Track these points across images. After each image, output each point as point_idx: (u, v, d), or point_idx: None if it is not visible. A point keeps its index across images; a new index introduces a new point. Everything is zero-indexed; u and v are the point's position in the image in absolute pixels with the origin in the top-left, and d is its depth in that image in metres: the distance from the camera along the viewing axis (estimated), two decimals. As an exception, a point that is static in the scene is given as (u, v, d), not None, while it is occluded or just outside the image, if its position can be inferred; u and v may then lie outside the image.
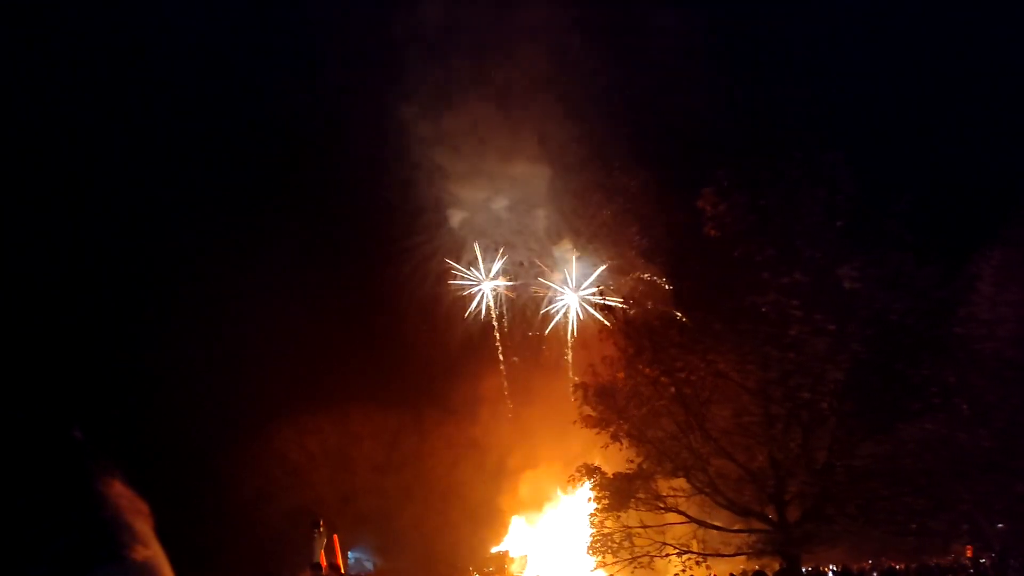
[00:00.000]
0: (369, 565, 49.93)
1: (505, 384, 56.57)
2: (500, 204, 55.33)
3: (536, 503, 53.67)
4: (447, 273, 56.34)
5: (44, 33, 46.66)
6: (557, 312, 55.17)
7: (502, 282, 55.85)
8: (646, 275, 45.99)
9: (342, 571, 17.26)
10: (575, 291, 54.13)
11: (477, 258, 56.12)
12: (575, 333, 53.90)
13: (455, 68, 50.67)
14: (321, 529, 16.48)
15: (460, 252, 56.51)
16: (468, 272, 56.06)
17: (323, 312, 53.92)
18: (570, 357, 53.61)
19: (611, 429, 19.47)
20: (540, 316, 56.10)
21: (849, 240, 17.90)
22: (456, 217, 55.56)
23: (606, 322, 23.29)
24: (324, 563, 15.63)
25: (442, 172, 53.70)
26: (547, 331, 55.21)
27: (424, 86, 50.50)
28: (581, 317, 53.65)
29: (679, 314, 20.21)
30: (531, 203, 55.23)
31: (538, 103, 50.81)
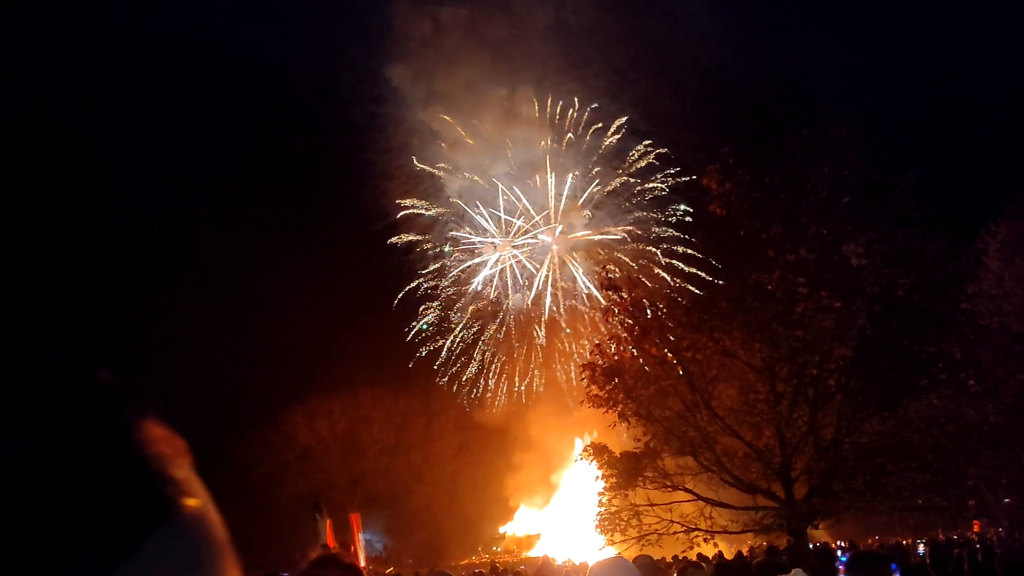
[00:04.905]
0: (379, 546, 50.33)
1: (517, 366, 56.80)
2: (501, 169, 55.25)
3: (545, 482, 53.92)
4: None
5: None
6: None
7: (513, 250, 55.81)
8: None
9: (353, 551, 17.48)
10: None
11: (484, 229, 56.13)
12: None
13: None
14: (323, 513, 16.78)
15: (462, 223, 56.66)
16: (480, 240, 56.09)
17: (332, 296, 54.08)
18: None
19: (618, 408, 19.50)
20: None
21: (855, 216, 17.82)
22: (454, 185, 55.58)
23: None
24: (332, 543, 15.82)
25: (439, 136, 53.70)
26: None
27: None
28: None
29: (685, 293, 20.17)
30: (532, 168, 55.05)
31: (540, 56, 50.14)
